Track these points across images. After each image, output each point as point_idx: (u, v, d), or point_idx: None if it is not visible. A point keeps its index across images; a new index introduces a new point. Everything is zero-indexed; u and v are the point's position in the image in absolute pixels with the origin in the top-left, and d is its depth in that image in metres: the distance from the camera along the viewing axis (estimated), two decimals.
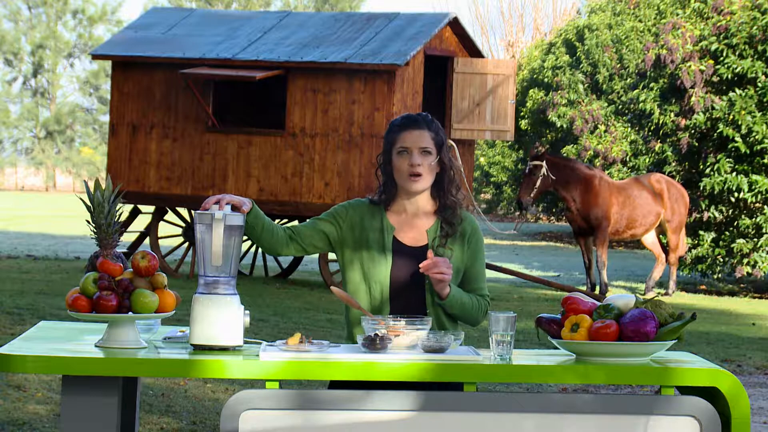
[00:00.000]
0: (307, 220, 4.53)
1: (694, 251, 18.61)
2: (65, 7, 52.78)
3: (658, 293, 17.26)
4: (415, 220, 4.48)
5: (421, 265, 4.30)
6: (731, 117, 17.79)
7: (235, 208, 4.25)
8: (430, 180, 4.44)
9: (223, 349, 4.09)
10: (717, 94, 18.33)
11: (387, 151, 4.50)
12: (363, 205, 4.52)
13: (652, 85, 19.70)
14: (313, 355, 3.98)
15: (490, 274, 18.96)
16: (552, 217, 36.19)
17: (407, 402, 3.93)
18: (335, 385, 4.18)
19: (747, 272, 18.25)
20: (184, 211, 17.62)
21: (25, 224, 28.30)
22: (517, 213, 22.98)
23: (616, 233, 16.92)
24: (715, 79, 18.29)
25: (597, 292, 16.60)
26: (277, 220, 17.72)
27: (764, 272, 18.21)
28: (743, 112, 17.61)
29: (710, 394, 4.03)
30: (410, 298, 4.42)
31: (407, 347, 4.09)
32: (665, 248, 17.70)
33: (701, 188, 18.11)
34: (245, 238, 4.55)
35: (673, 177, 18.79)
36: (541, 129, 30.19)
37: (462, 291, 4.44)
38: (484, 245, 4.57)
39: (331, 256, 15.72)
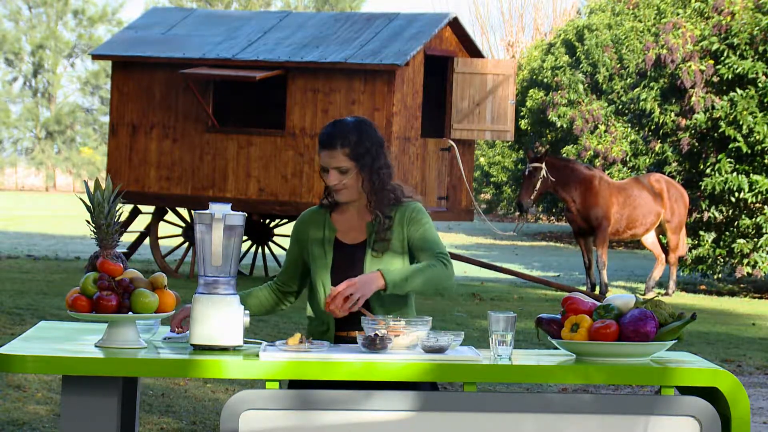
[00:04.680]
0: (285, 259, 4.66)
1: (694, 251, 18.59)
2: (66, 8, 52.78)
3: (658, 293, 17.25)
4: (357, 218, 4.56)
5: (326, 309, 4.33)
6: (732, 117, 17.77)
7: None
8: (355, 188, 4.50)
9: (223, 349, 4.09)
10: (717, 94, 18.32)
11: None
12: (311, 213, 4.62)
13: (652, 84, 19.69)
14: (313, 355, 3.98)
15: (490, 274, 18.93)
16: (552, 217, 36.18)
17: (407, 402, 3.93)
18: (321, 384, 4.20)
19: (747, 272, 18.23)
20: (184, 211, 17.62)
21: (25, 224, 28.28)
22: (517, 214, 22.97)
23: (616, 233, 16.91)
24: (715, 79, 18.28)
25: (597, 292, 16.59)
26: (277, 220, 17.74)
27: (764, 272, 18.20)
28: (745, 113, 17.60)
29: (710, 394, 4.03)
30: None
31: (407, 347, 4.09)
32: (665, 248, 17.68)
33: (701, 188, 18.09)
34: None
35: (673, 177, 18.77)
36: (541, 129, 30.19)
37: (403, 268, 4.41)
38: (429, 219, 4.56)
39: None
